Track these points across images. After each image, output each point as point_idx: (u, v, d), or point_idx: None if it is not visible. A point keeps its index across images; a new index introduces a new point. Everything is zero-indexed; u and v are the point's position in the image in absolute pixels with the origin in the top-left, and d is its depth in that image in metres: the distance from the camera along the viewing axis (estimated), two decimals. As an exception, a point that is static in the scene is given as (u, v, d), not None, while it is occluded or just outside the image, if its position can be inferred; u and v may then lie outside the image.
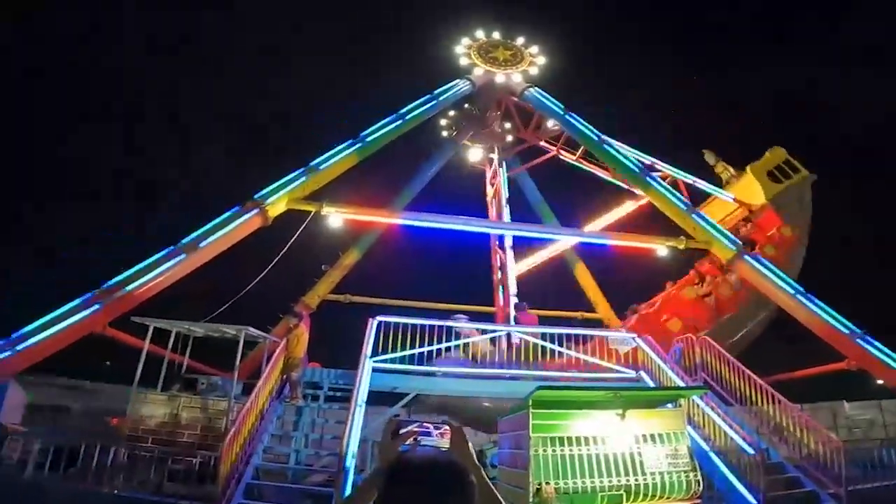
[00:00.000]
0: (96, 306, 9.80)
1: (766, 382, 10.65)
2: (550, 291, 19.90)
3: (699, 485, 6.81)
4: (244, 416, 9.28)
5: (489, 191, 23.12)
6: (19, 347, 8.83)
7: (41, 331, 9.13)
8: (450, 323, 12.62)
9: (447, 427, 1.94)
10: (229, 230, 11.86)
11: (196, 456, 9.68)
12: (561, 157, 22.62)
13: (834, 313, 11.90)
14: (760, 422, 10.38)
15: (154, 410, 10.44)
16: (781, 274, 13.15)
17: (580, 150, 21.32)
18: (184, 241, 11.29)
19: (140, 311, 11.07)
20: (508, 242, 18.92)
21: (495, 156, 22.87)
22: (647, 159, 19.50)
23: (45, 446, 8.40)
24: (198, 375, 12.60)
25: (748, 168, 19.88)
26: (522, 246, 20.31)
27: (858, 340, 11.43)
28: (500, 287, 18.95)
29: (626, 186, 20.62)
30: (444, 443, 1.90)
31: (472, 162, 24.20)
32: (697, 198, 19.48)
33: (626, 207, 20.42)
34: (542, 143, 22.94)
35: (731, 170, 20.94)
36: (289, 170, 13.66)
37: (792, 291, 12.61)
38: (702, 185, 20.15)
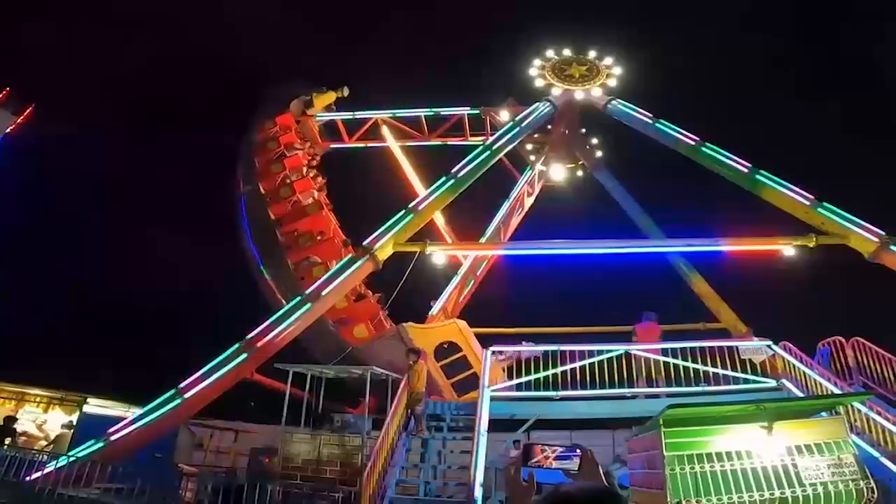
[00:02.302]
0: (244, 355, 10.90)
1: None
2: (663, 302, 18.97)
3: (873, 492, 6.19)
4: (377, 451, 9.67)
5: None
6: (187, 395, 10.03)
7: (203, 380, 10.33)
8: (562, 346, 12.48)
9: (578, 451, 1.98)
10: (345, 278, 12.69)
11: (338, 491, 10.18)
12: None
13: None
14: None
15: (300, 448, 11.19)
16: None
17: None
18: (308, 291, 12.26)
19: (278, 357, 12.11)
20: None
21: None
22: None
23: (216, 486, 9.34)
24: (333, 414, 13.37)
25: None
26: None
27: None
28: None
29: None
30: (574, 466, 1.94)
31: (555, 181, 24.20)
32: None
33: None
34: None
35: None
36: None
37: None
38: None
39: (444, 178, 15.80)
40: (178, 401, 10.01)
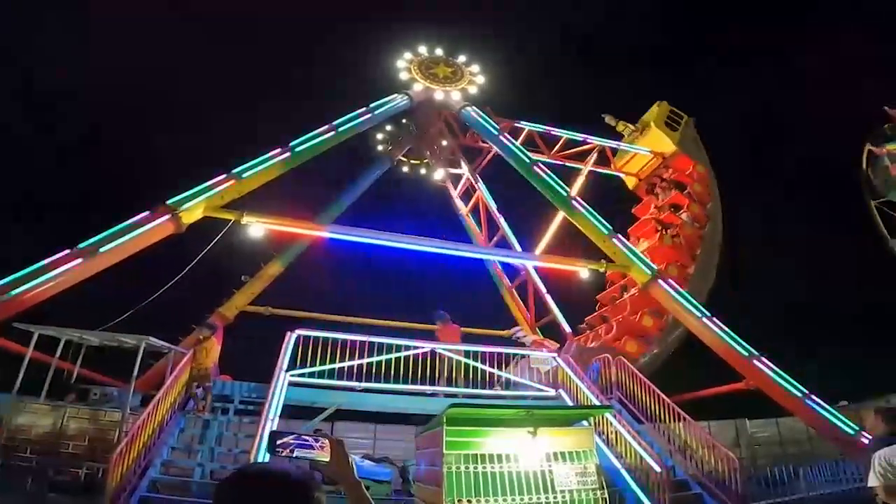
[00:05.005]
0: (-27, 310, 8.92)
1: (676, 401, 11.03)
2: (475, 308, 20.06)
3: (605, 502, 6.92)
4: (139, 428, 8.83)
5: (460, 205, 23.71)
6: None
7: None
8: (371, 338, 12.41)
9: (326, 440, 1.82)
10: (135, 236, 11.11)
11: (82, 467, 9.23)
12: (499, 153, 22.94)
13: (735, 336, 12.58)
14: (668, 440, 10.70)
15: (36, 420, 9.83)
16: (690, 298, 13.84)
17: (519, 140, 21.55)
18: (82, 244, 10.49)
19: (34, 316, 10.24)
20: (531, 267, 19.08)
21: (464, 170, 23.41)
22: (579, 136, 22.29)
23: None
24: (91, 385, 11.76)
25: (651, 123, 23.17)
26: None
27: (755, 362, 12.14)
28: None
29: (567, 164, 22.61)
30: (324, 456, 1.79)
31: (435, 181, 24.57)
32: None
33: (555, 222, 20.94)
34: (481, 144, 23.20)
35: (630, 126, 24.40)
36: (207, 176, 13.01)
37: (699, 314, 13.24)
38: (626, 147, 23.80)
39: (277, 150, 14.82)
40: None
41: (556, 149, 22.44)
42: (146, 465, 8.92)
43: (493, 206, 21.98)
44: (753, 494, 11.20)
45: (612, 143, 23.76)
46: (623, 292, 20.30)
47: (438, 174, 24.68)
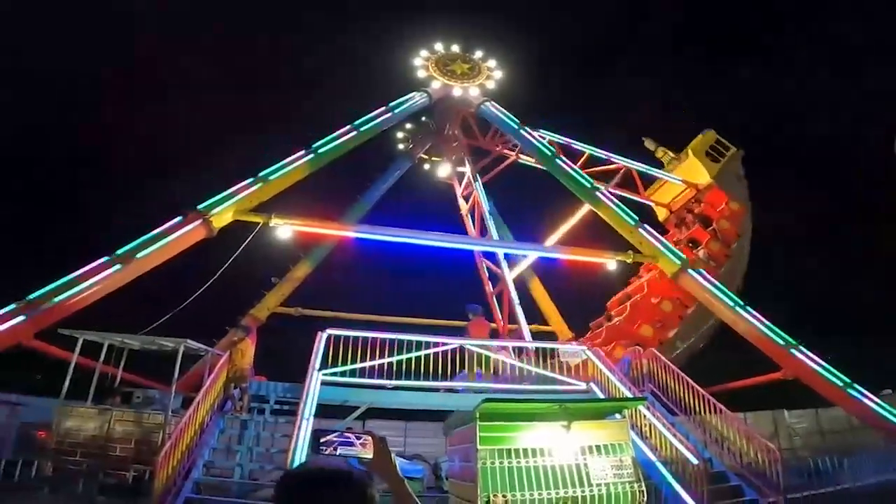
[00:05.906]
0: (21, 317, 9.28)
1: (710, 392, 10.89)
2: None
3: (643, 495, 6.85)
4: (182, 430, 9.01)
5: (461, 204, 23.62)
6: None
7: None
8: (400, 335, 12.50)
9: (369, 437, 1.85)
10: (169, 241, 11.41)
11: (129, 470, 9.42)
12: (520, 160, 22.58)
13: (770, 325, 12.28)
14: (704, 431, 10.59)
15: (83, 424, 10.06)
16: (722, 287, 13.55)
17: None
18: (119, 251, 10.81)
19: (75, 321, 10.58)
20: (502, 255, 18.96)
21: (467, 169, 23.23)
22: (602, 153, 21.07)
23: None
24: (133, 389, 12.11)
25: (689, 151, 21.96)
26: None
27: (792, 351, 11.84)
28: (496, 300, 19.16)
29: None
30: (367, 453, 1.82)
31: (440, 178, 24.52)
32: (648, 183, 22.62)
33: (580, 213, 20.78)
34: (501, 150, 22.93)
35: (671, 153, 23.06)
36: (235, 180, 13.25)
37: (731, 304, 12.96)
38: (654, 172, 22.27)
39: (301, 152, 15.00)
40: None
41: (577, 164, 20.54)
42: (189, 466, 9.09)
43: (485, 206, 21.55)
44: (795, 486, 10.96)
45: (640, 167, 21.73)
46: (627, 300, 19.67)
47: (443, 172, 24.49)
